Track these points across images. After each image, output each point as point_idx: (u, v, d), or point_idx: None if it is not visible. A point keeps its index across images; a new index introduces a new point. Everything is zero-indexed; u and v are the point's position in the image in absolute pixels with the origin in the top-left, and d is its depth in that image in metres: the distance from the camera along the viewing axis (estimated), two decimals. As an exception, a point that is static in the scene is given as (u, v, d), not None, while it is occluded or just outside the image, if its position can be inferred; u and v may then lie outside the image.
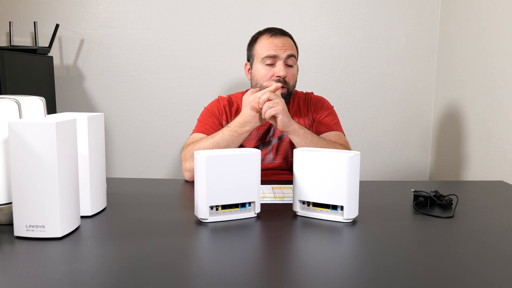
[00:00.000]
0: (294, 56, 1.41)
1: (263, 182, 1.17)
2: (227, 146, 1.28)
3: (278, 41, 1.40)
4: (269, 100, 1.22)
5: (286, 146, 1.45)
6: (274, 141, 1.45)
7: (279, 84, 1.29)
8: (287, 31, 1.47)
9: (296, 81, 1.45)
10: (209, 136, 1.32)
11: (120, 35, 2.10)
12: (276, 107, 1.22)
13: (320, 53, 2.11)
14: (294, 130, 1.26)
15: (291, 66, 1.41)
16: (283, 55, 1.38)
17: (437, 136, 2.12)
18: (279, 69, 1.38)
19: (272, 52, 1.38)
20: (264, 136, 1.45)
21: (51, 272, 0.69)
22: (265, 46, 1.40)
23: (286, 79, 1.39)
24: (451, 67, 1.96)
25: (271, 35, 1.42)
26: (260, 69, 1.41)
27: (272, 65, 1.39)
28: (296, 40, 1.49)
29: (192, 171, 1.30)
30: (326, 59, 2.12)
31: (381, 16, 2.09)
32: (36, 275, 0.67)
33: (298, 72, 1.50)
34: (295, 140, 1.28)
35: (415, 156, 2.19)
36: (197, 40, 2.10)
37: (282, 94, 1.38)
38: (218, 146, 1.28)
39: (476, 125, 1.74)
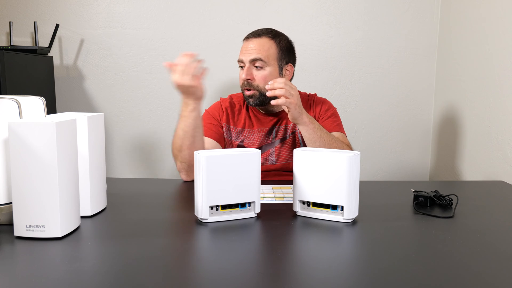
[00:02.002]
0: (260, 59, 1.38)
1: (263, 182, 1.17)
2: (187, 132, 1.23)
3: (248, 44, 1.41)
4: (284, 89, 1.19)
5: (288, 148, 1.45)
6: (277, 142, 1.45)
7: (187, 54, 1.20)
8: (267, 30, 1.43)
9: None
10: None
11: (120, 35, 2.10)
12: (289, 100, 1.19)
13: (320, 53, 2.11)
14: (304, 123, 1.25)
15: (260, 68, 1.39)
16: (247, 58, 1.39)
17: (437, 136, 2.12)
18: (242, 72, 1.40)
19: (240, 57, 1.42)
20: (266, 138, 1.45)
21: (51, 272, 0.69)
22: (240, 51, 1.43)
23: (254, 82, 1.39)
24: (451, 67, 1.96)
25: (245, 39, 1.44)
26: (239, 73, 1.44)
27: (243, 68, 1.41)
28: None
29: (181, 171, 1.30)
30: (326, 59, 2.12)
31: (381, 16, 2.09)
32: (36, 275, 0.67)
33: (296, 72, 1.49)
34: (303, 133, 1.26)
35: (415, 156, 2.19)
36: (197, 40, 2.10)
37: (253, 96, 1.39)
38: (179, 136, 1.25)
39: (476, 125, 1.74)
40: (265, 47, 1.40)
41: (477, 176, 1.73)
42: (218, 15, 2.09)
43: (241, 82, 1.42)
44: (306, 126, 1.25)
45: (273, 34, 1.43)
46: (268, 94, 1.21)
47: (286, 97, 1.19)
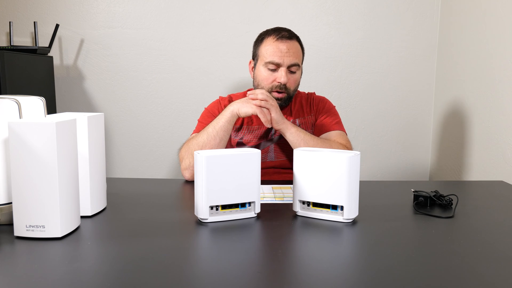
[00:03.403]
0: (297, 64, 1.41)
1: (264, 182, 1.17)
2: (217, 132, 1.29)
3: (283, 46, 1.38)
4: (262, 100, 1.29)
5: (287, 145, 1.45)
6: (276, 139, 1.46)
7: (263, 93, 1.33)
8: (295, 33, 1.44)
9: (298, 85, 1.45)
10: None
11: (120, 35, 2.10)
12: (271, 102, 1.28)
13: (320, 53, 2.11)
14: (286, 127, 1.30)
15: (293, 72, 1.41)
16: (287, 62, 1.38)
17: (437, 136, 2.12)
18: (281, 75, 1.38)
19: (276, 59, 1.38)
20: (265, 134, 1.46)
21: (51, 272, 0.69)
22: (269, 50, 1.39)
23: (287, 85, 1.40)
24: (451, 67, 1.96)
25: (277, 39, 1.40)
26: (263, 72, 1.41)
27: (274, 70, 1.39)
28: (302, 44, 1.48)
29: (189, 168, 1.30)
30: (326, 59, 2.12)
31: (381, 16, 2.09)
32: (36, 275, 0.67)
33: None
34: (288, 138, 1.31)
35: (415, 156, 2.19)
36: (197, 40, 2.10)
37: (281, 99, 1.41)
38: (207, 132, 1.30)
39: (476, 125, 1.74)
40: (298, 52, 1.43)
41: (477, 176, 1.73)
42: (218, 15, 2.09)
43: (272, 84, 1.40)
44: (289, 130, 1.31)
45: (298, 37, 1.45)
46: (250, 97, 1.30)
47: (267, 100, 1.28)
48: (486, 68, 1.66)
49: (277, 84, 1.39)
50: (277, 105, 1.29)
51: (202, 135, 1.31)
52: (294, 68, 1.40)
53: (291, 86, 1.41)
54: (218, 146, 1.30)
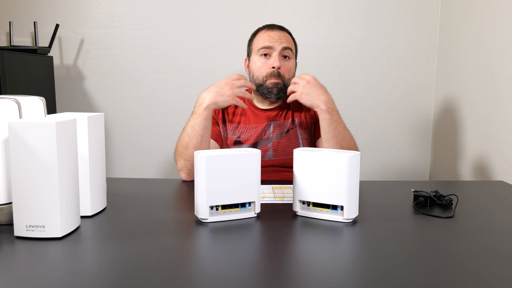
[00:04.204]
0: (290, 49, 1.42)
1: (263, 181, 1.17)
2: (196, 131, 1.26)
3: (274, 34, 1.43)
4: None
5: (286, 143, 1.45)
6: (274, 137, 1.45)
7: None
8: (286, 28, 1.49)
9: (293, 76, 1.46)
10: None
11: (120, 35, 2.10)
12: (293, 94, 1.26)
13: (320, 53, 2.11)
14: (321, 111, 1.25)
15: (287, 58, 1.42)
16: (279, 46, 1.40)
17: (437, 136, 2.12)
18: (274, 60, 1.40)
19: (267, 43, 1.41)
20: (263, 133, 1.46)
21: (51, 272, 0.69)
22: (261, 39, 1.43)
23: (281, 71, 1.40)
24: (451, 67, 1.96)
25: (268, 29, 1.45)
26: (256, 61, 1.43)
27: (268, 56, 1.41)
28: (296, 40, 1.49)
29: (182, 169, 1.30)
30: (326, 59, 2.12)
31: (381, 16, 2.09)
32: (36, 275, 0.67)
33: (296, 72, 1.50)
34: (320, 121, 1.28)
35: (415, 156, 2.19)
36: (197, 40, 2.10)
37: (277, 86, 1.40)
38: (187, 133, 1.28)
39: (476, 125, 1.74)
40: (290, 40, 1.46)
41: (477, 176, 1.73)
42: (218, 15, 2.09)
43: (267, 71, 1.40)
44: (323, 115, 1.26)
45: (289, 32, 1.49)
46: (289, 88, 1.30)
47: (293, 91, 1.27)
48: (486, 68, 1.66)
49: (270, 71, 1.40)
50: (301, 90, 1.24)
51: (183, 136, 1.30)
52: (287, 52, 1.41)
53: (285, 73, 1.42)
54: (201, 144, 1.27)
